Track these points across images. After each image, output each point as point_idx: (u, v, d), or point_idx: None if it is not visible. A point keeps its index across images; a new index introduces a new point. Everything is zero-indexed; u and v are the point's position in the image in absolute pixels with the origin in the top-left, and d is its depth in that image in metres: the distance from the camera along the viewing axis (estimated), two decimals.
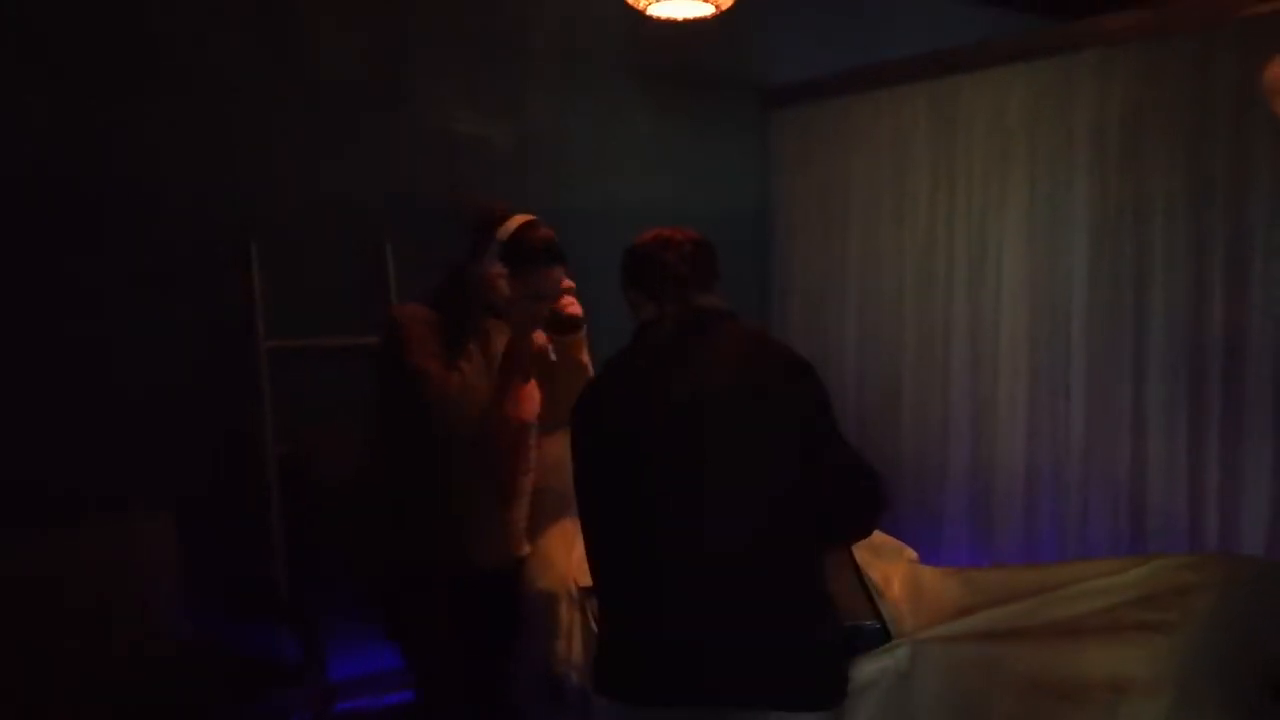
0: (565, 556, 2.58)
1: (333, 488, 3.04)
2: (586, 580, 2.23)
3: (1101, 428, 3.32)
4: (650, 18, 2.63)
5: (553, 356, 2.46)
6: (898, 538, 2.80)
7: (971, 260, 3.62)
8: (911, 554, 2.72)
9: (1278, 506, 2.97)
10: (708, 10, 2.50)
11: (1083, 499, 3.37)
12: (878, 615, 2.22)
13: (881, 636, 2.18)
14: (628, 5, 2.54)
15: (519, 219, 2.37)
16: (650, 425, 1.86)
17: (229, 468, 3.15)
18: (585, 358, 2.54)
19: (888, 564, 2.36)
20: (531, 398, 2.46)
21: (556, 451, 2.53)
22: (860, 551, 2.34)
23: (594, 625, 2.37)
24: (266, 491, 3.15)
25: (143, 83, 2.98)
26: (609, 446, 1.94)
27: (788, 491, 1.82)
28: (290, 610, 3.12)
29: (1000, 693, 2.01)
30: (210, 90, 3.08)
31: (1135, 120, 3.19)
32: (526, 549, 2.58)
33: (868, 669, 2.10)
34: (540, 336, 2.43)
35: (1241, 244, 3.01)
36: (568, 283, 2.44)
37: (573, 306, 2.46)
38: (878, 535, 2.40)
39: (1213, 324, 3.07)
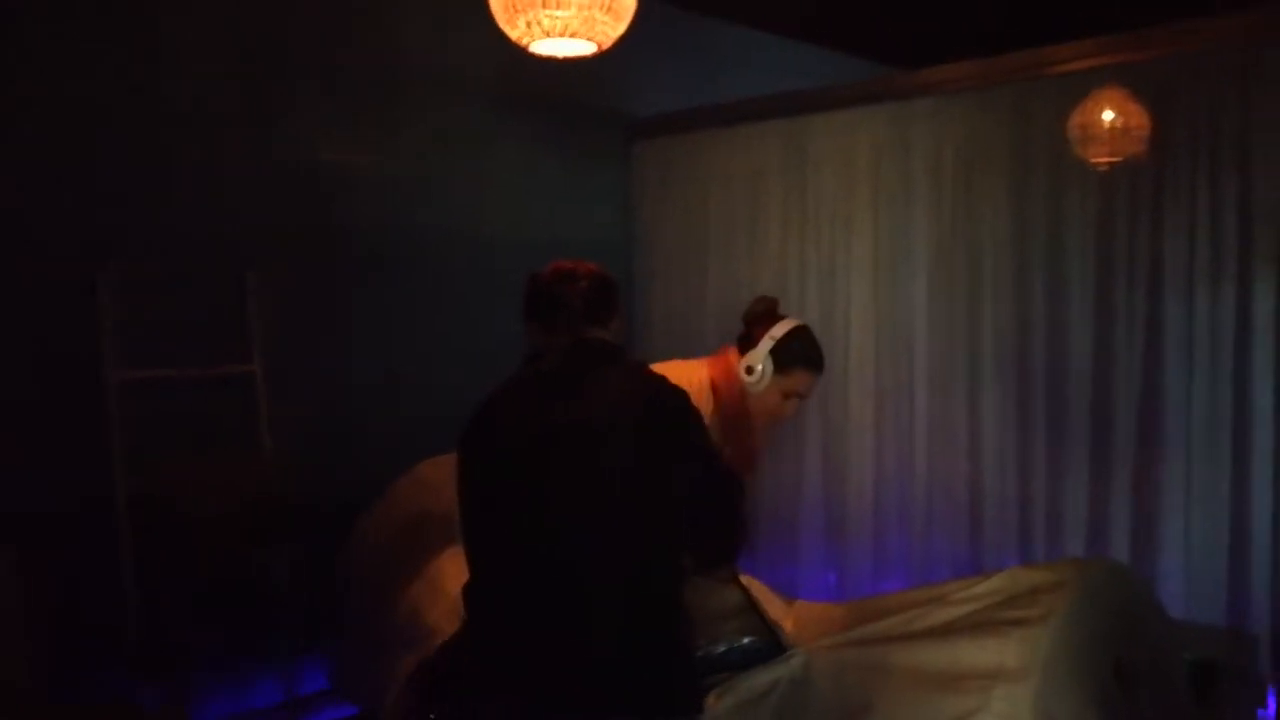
0: (458, 586, 2.56)
1: (197, 524, 2.91)
2: None
3: (941, 443, 3.61)
4: (529, 54, 2.66)
5: None
6: (758, 556, 2.94)
7: (822, 290, 3.85)
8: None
9: (1095, 509, 3.32)
10: (590, 49, 2.54)
11: (927, 509, 3.64)
12: (771, 632, 2.35)
13: (774, 650, 2.32)
14: (500, 39, 2.56)
15: (790, 323, 2.69)
16: (530, 453, 1.92)
17: (80, 503, 2.96)
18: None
19: (778, 609, 2.51)
20: None
21: (442, 475, 2.56)
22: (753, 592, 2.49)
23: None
24: (117, 528, 2.99)
25: None
26: (492, 471, 1.98)
27: (652, 517, 1.89)
28: (144, 653, 2.97)
29: (885, 688, 2.17)
30: (58, 109, 2.92)
31: (966, 162, 3.50)
32: None
33: (764, 678, 2.24)
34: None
35: (1059, 275, 3.36)
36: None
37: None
38: (767, 589, 2.55)
39: (1037, 347, 3.40)
